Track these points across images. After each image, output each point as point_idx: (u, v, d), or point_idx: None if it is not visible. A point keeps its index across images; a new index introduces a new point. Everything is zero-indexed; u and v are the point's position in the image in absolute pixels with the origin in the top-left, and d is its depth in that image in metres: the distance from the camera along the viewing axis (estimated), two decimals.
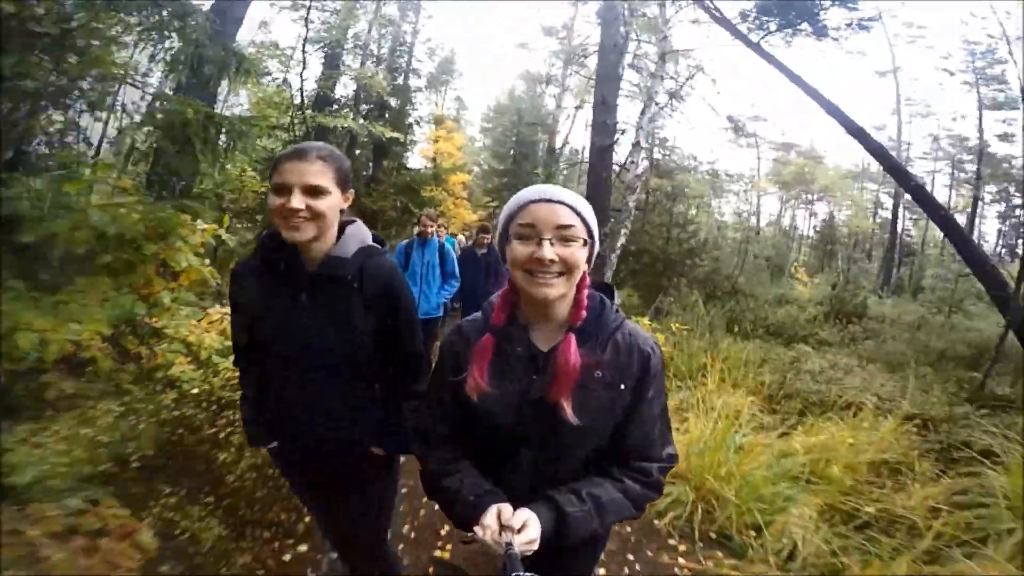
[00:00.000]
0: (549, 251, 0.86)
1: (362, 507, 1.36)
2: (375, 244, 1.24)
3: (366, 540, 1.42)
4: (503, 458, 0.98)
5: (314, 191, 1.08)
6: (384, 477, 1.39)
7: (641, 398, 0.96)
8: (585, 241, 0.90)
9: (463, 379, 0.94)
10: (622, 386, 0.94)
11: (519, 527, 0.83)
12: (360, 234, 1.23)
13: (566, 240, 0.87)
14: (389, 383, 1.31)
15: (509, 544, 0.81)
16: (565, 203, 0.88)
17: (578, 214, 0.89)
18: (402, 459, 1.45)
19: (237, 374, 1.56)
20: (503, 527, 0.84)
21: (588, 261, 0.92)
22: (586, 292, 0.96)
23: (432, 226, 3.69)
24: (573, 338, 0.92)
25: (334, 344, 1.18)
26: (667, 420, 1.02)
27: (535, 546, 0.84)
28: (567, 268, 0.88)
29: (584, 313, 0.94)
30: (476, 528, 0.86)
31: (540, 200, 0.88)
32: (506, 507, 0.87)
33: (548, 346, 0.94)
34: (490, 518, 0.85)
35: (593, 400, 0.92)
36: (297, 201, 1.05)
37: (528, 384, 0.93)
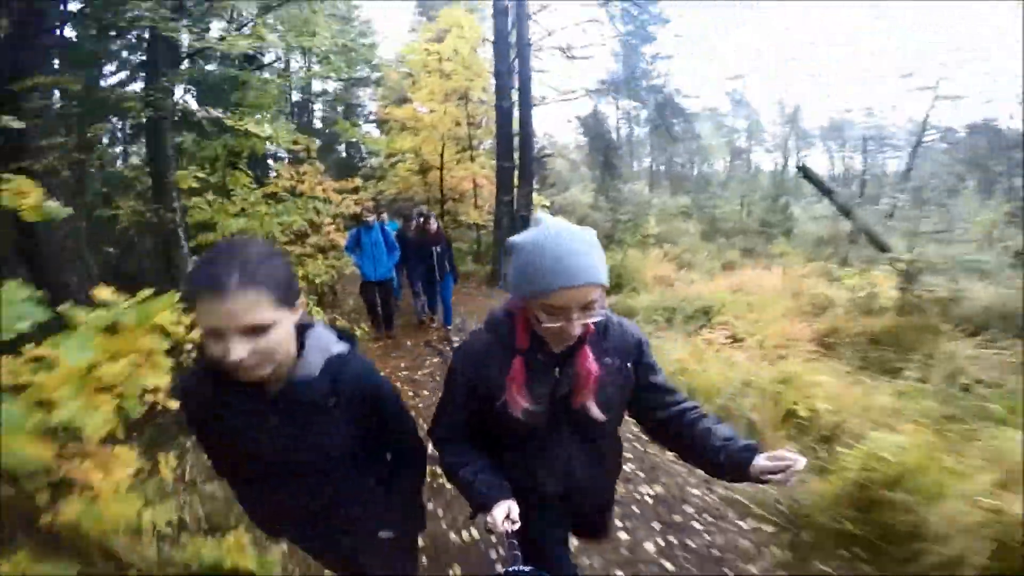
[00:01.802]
0: (579, 329, 0.93)
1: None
2: (342, 343, 1.07)
3: None
4: (541, 446, 1.10)
5: (253, 331, 0.84)
6: (402, 556, 1.36)
7: (652, 369, 1.11)
8: (603, 289, 0.95)
9: (503, 402, 1.02)
10: (628, 364, 1.08)
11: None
12: (323, 343, 1.04)
13: (590, 312, 0.93)
14: (390, 472, 1.24)
15: (511, 535, 0.96)
16: (592, 283, 0.91)
17: (600, 284, 0.92)
18: None
19: None
20: (508, 519, 0.97)
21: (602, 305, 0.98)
22: None
23: (370, 216, 5.00)
24: (588, 349, 1.01)
25: (315, 460, 1.06)
26: None
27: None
28: (583, 327, 0.95)
29: (592, 326, 1.00)
30: (487, 519, 0.99)
31: (571, 287, 0.89)
32: (513, 504, 1.00)
33: (561, 348, 1.03)
34: (499, 511, 0.98)
35: (610, 387, 1.05)
36: (239, 350, 0.83)
37: (554, 382, 1.03)
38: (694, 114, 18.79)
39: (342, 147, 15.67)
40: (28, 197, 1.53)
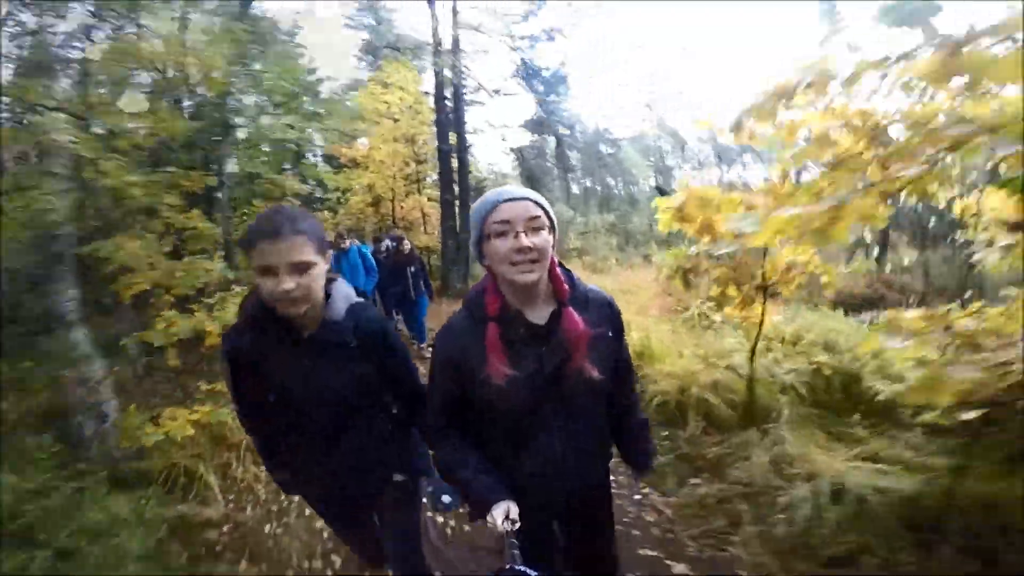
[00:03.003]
0: (526, 240, 0.97)
1: (397, 525, 1.46)
2: (360, 299, 1.29)
3: (405, 551, 1.49)
4: (532, 427, 1.09)
5: (301, 267, 1.07)
6: (411, 499, 1.47)
7: (621, 339, 1.18)
8: (550, 228, 1.02)
9: (484, 376, 1.03)
10: (610, 333, 1.12)
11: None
12: (345, 291, 1.26)
13: (536, 230, 0.99)
14: (398, 418, 1.38)
15: (510, 535, 0.96)
16: (529, 199, 1.00)
17: (540, 206, 1.01)
18: None
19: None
20: (507, 519, 0.98)
21: (553, 246, 1.02)
22: (558, 270, 1.07)
23: (345, 241, 5.08)
24: (571, 310, 1.05)
25: (342, 394, 1.23)
26: None
27: None
28: (541, 254, 0.99)
29: (566, 287, 1.07)
30: (487, 518, 1.01)
31: (509, 199, 0.99)
32: (512, 505, 1.02)
33: (543, 319, 1.06)
34: (498, 512, 1.00)
35: (597, 353, 1.06)
36: (289, 283, 1.05)
37: (539, 360, 1.04)
38: (617, 140, 21.77)
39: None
40: None
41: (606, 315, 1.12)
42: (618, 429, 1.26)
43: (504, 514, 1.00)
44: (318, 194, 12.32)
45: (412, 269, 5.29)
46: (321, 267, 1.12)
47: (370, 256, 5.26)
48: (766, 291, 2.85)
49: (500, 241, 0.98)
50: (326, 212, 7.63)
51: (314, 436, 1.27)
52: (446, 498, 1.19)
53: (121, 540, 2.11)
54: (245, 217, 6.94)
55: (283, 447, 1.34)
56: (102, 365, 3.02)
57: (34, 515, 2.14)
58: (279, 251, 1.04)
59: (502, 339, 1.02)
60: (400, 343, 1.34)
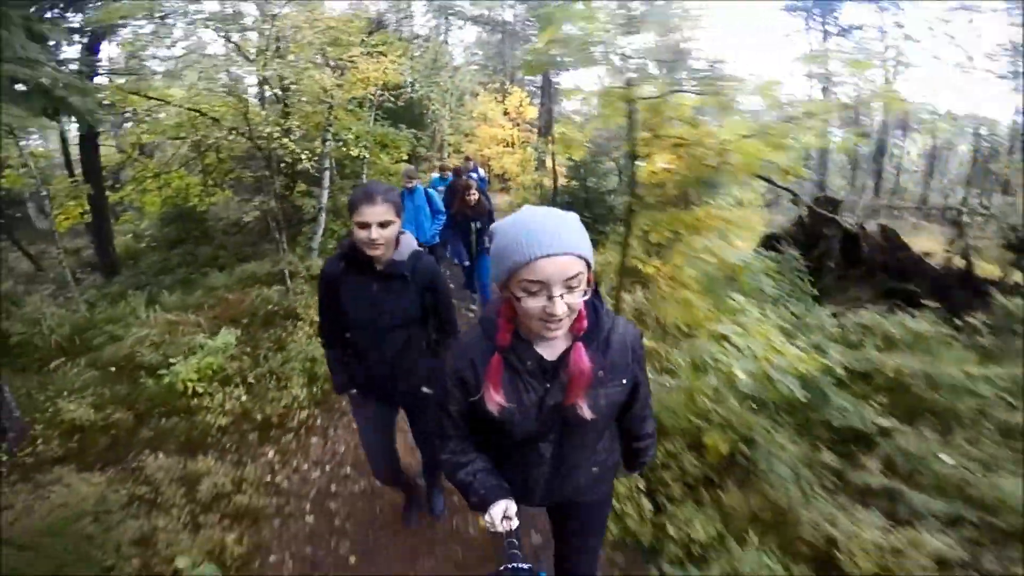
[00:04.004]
0: (562, 307, 0.86)
1: (424, 422, 1.96)
2: (419, 248, 1.73)
3: (431, 447, 1.99)
4: (524, 454, 1.12)
5: (384, 224, 1.54)
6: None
7: (643, 387, 1.14)
8: (587, 276, 0.90)
9: (480, 398, 1.01)
10: (624, 380, 1.05)
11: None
12: (410, 242, 1.71)
13: (573, 288, 0.87)
14: (434, 338, 1.85)
15: (509, 534, 1.01)
16: (571, 253, 0.86)
17: (581, 257, 0.87)
18: None
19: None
20: (506, 518, 1.03)
21: (588, 283, 0.92)
22: (583, 308, 0.97)
23: (411, 182, 4.62)
24: (582, 347, 0.98)
25: (398, 315, 1.71)
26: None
27: None
28: (573, 312, 0.90)
29: (585, 324, 0.99)
30: (485, 517, 1.05)
31: (547, 256, 0.84)
32: (511, 504, 1.06)
33: (554, 355, 1.01)
34: (496, 510, 1.04)
35: (602, 398, 1.03)
36: (375, 234, 1.52)
37: (544, 393, 1.02)
38: None
39: None
40: None
41: (623, 361, 1.05)
42: (621, 438, 1.28)
43: (502, 513, 1.03)
44: None
45: (477, 225, 4.68)
46: (396, 224, 1.58)
47: (436, 198, 4.80)
48: None
49: (531, 300, 0.88)
50: None
51: (374, 341, 1.74)
52: None
53: None
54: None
55: (350, 351, 1.82)
56: None
57: None
58: (373, 212, 1.51)
59: (507, 369, 1.01)
60: (444, 285, 1.79)
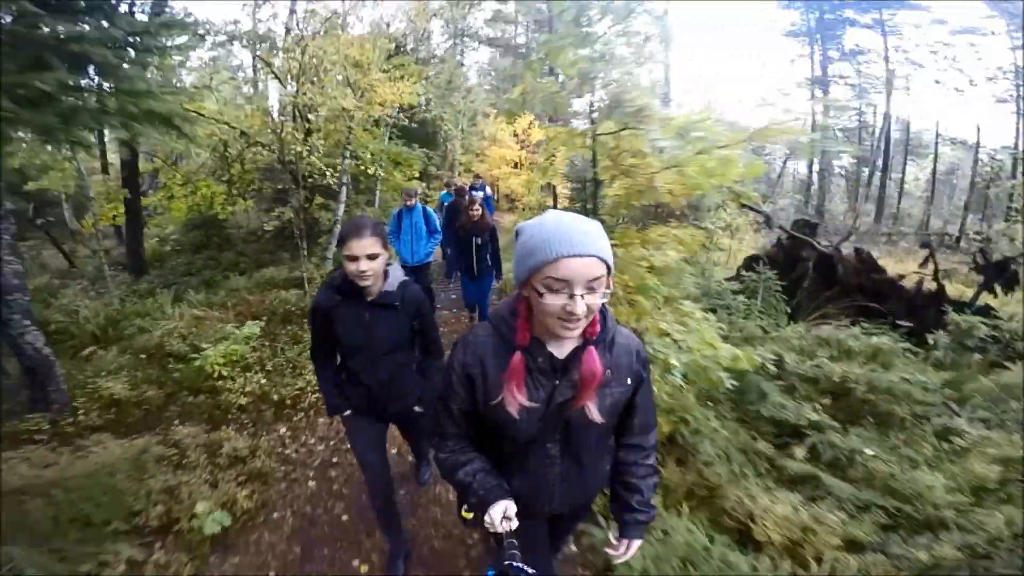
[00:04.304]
0: (582, 306, 0.88)
1: (416, 432, 2.28)
2: (406, 278, 1.83)
3: (422, 446, 2.41)
4: (534, 456, 1.12)
5: (372, 256, 1.61)
6: (424, 417, 2.05)
7: (645, 387, 1.15)
8: (607, 281, 0.92)
9: (499, 400, 1.02)
10: (628, 381, 1.10)
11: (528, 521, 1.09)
12: (398, 273, 1.81)
13: (594, 290, 0.89)
14: (421, 360, 1.98)
15: (508, 534, 1.01)
16: (596, 256, 0.88)
17: (604, 261, 0.89)
18: None
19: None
20: (505, 519, 1.03)
21: (608, 287, 0.93)
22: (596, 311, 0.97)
23: (411, 200, 4.75)
24: (594, 350, 1.02)
25: (389, 341, 1.82)
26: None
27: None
28: (591, 313, 0.92)
29: (597, 328, 1.02)
30: (485, 518, 1.05)
31: (574, 255, 0.87)
32: (511, 504, 1.06)
33: (563, 353, 1.03)
34: (496, 511, 1.04)
35: (608, 398, 1.06)
36: (364, 266, 1.60)
37: (552, 390, 1.03)
38: None
39: None
40: None
41: (627, 362, 1.09)
42: (616, 470, 1.25)
43: (502, 514, 1.03)
44: None
45: (479, 241, 4.57)
46: (383, 258, 1.66)
47: (434, 217, 4.89)
48: None
49: (552, 297, 0.89)
50: None
51: (368, 365, 1.83)
52: None
53: None
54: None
55: (343, 375, 1.91)
56: None
57: None
58: (360, 246, 1.58)
59: (524, 367, 1.01)
60: (430, 311, 1.92)
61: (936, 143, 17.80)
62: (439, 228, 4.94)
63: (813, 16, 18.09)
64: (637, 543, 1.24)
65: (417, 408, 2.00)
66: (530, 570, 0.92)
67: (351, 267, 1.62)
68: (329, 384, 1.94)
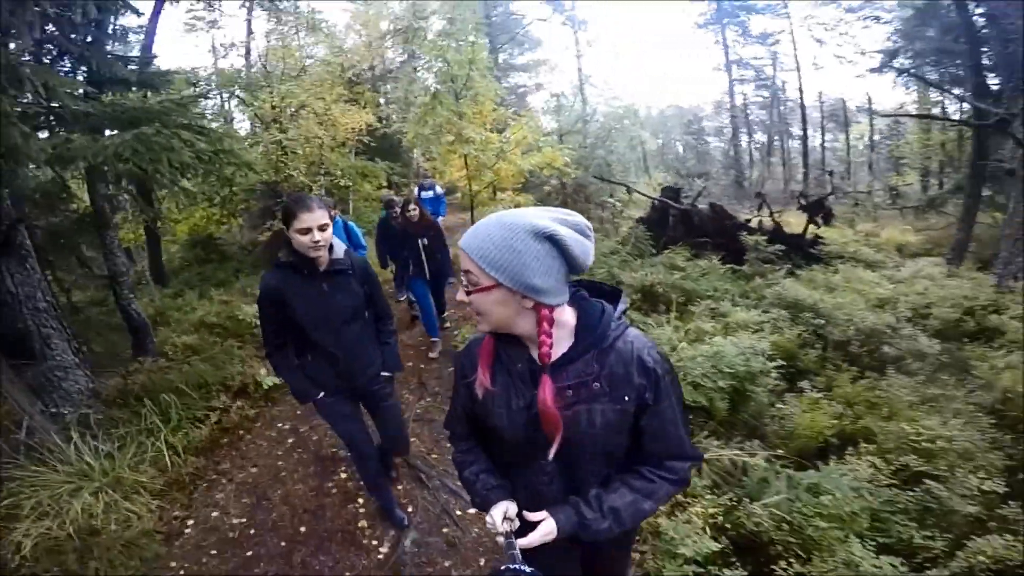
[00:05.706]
0: (461, 293, 0.93)
1: (391, 411, 2.22)
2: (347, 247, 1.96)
3: (397, 428, 2.29)
4: (528, 470, 1.07)
5: (323, 227, 1.72)
6: (392, 389, 2.17)
7: (659, 406, 0.98)
8: (490, 287, 0.87)
9: (472, 380, 1.03)
10: (626, 398, 0.95)
11: (537, 521, 1.02)
12: (339, 244, 1.90)
13: (468, 285, 0.89)
14: (376, 326, 2.11)
15: (509, 535, 1.01)
16: (463, 249, 0.88)
17: (473, 260, 0.86)
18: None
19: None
20: (506, 519, 1.03)
21: (523, 299, 0.88)
22: (546, 328, 0.90)
23: (331, 213, 3.90)
24: (548, 381, 0.92)
25: (344, 306, 1.92)
26: (686, 418, 1.03)
27: (533, 542, 0.99)
28: (476, 312, 0.92)
29: (549, 352, 0.91)
30: (486, 517, 1.07)
31: (460, 247, 0.89)
32: (511, 505, 1.07)
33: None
34: (497, 512, 1.05)
35: (598, 416, 0.95)
36: (318, 236, 1.71)
37: (532, 400, 0.95)
38: None
39: None
40: None
41: (623, 374, 0.95)
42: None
43: (503, 514, 1.04)
44: None
45: (424, 241, 4.43)
46: (331, 226, 1.78)
47: (357, 231, 4.73)
48: None
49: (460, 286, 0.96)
50: None
51: (329, 336, 1.91)
52: None
53: None
54: None
55: (304, 356, 1.96)
56: None
57: None
58: (312, 218, 1.71)
59: (501, 369, 0.99)
60: (374, 274, 2.05)
61: (844, 112, 20.16)
62: (364, 244, 4.90)
63: (715, 5, 20.29)
64: (551, 526, 1.01)
65: (384, 373, 2.16)
66: (528, 569, 0.91)
67: (304, 239, 1.73)
68: (293, 372, 1.98)
